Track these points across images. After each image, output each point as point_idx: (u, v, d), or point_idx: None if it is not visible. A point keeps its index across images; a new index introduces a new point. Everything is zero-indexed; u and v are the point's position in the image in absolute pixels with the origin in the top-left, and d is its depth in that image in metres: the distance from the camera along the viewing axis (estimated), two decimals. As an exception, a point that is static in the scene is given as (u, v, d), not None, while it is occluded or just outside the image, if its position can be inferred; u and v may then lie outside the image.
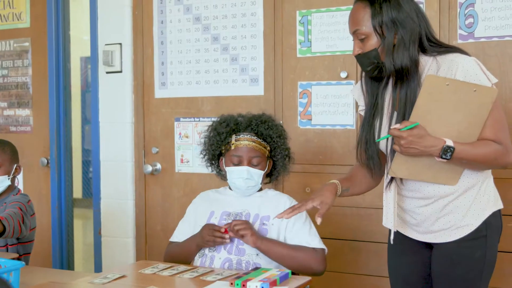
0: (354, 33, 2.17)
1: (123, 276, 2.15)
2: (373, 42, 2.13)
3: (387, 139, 2.20)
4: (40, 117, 4.15)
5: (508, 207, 2.91)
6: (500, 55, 2.94)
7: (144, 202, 3.82)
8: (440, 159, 2.04)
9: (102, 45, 3.83)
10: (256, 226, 2.47)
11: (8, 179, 2.94)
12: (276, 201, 2.55)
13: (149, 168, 3.75)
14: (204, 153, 2.60)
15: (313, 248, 2.45)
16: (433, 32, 2.21)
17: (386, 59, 2.12)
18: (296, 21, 3.36)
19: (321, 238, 3.30)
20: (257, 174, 2.49)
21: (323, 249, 2.48)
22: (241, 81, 3.51)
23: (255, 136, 2.51)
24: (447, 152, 2.02)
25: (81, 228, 5.47)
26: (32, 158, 4.16)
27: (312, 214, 2.34)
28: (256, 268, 2.26)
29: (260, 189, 2.60)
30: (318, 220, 2.17)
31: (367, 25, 2.13)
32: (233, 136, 2.52)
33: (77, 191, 4.64)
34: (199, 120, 3.63)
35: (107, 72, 3.83)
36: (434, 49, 2.16)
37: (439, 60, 2.14)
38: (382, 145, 2.28)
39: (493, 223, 2.19)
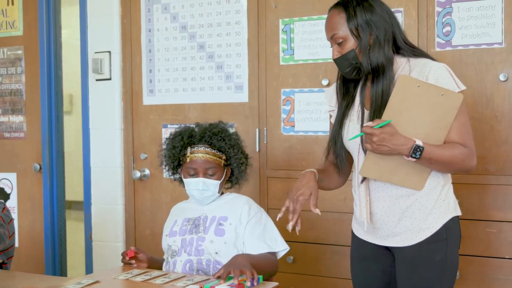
0: (332, 38, 2.25)
1: (96, 282, 2.21)
2: (351, 44, 2.22)
3: (361, 137, 2.24)
4: (33, 123, 4.22)
5: (469, 212, 2.98)
6: (477, 62, 2.99)
7: (133, 207, 3.89)
8: (410, 158, 2.10)
9: (91, 53, 3.91)
10: (213, 228, 2.53)
11: None
12: (234, 202, 2.62)
13: (138, 174, 3.81)
14: (164, 165, 2.68)
15: (276, 253, 2.55)
16: (405, 34, 2.30)
17: (363, 58, 2.20)
18: (279, 30, 3.41)
19: (305, 242, 3.38)
20: (213, 184, 2.56)
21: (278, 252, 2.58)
22: (226, 88, 3.57)
23: (209, 148, 2.57)
24: (416, 151, 2.08)
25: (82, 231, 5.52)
26: (26, 164, 4.24)
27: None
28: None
29: (222, 193, 2.67)
30: (317, 211, 2.18)
31: (343, 29, 2.21)
32: (188, 149, 2.59)
33: (78, 194, 4.64)
34: (180, 127, 3.69)
35: (96, 80, 3.90)
36: (408, 49, 2.25)
37: (412, 63, 2.23)
38: (351, 145, 2.33)
39: (452, 228, 2.25)
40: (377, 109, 2.19)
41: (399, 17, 3.11)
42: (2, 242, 2.75)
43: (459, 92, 2.18)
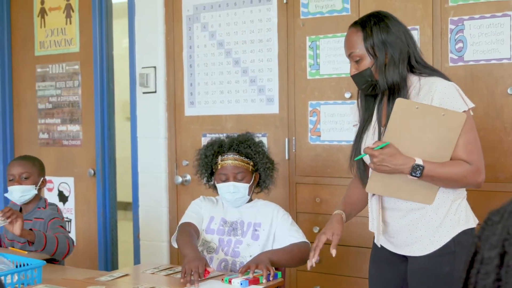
0: (350, 55, 2.40)
1: (126, 275, 2.54)
2: (367, 62, 2.34)
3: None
4: (88, 132, 4.62)
5: (479, 217, 3.15)
6: (487, 77, 3.17)
7: (176, 209, 4.22)
8: (411, 177, 2.22)
9: (139, 69, 4.26)
10: (250, 232, 2.81)
11: (35, 189, 3.34)
12: (265, 209, 2.89)
13: (180, 179, 4.15)
14: (199, 173, 2.97)
15: (303, 242, 2.79)
16: (420, 53, 2.43)
17: (379, 77, 2.32)
18: (306, 46, 3.67)
19: (330, 244, 3.62)
20: (243, 187, 2.84)
21: (307, 242, 2.81)
22: (259, 100, 3.86)
23: (237, 155, 2.85)
24: (416, 170, 2.20)
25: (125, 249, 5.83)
26: (82, 169, 4.63)
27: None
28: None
29: (250, 200, 2.94)
30: (333, 252, 2.37)
31: (360, 47, 2.35)
32: (219, 157, 2.88)
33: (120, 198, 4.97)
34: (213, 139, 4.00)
35: (143, 93, 4.26)
36: (420, 69, 2.36)
37: (422, 82, 2.33)
38: (366, 160, 2.47)
39: (462, 241, 2.30)
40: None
41: (415, 34, 3.32)
42: (72, 246, 3.11)
43: (468, 109, 2.29)
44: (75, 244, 3.31)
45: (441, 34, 3.28)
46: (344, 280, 3.61)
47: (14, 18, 4.94)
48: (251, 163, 2.89)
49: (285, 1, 3.71)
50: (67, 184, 4.71)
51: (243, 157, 2.87)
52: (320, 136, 3.65)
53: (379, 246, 2.50)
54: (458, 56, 3.23)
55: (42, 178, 3.33)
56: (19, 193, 3.25)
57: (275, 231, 2.83)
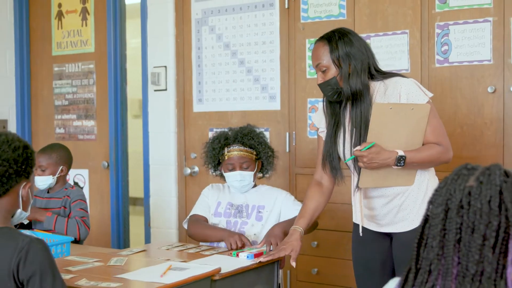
0: (317, 66, 2.69)
1: (143, 250, 2.87)
2: (332, 72, 2.63)
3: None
4: (102, 127, 4.95)
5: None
6: (470, 77, 3.49)
7: (184, 199, 4.54)
8: (396, 167, 2.56)
9: (151, 68, 4.59)
10: (254, 214, 3.15)
11: (53, 178, 3.60)
12: (269, 193, 3.23)
13: (188, 171, 4.47)
14: (207, 164, 3.30)
15: None
16: (377, 63, 2.74)
17: (344, 85, 2.62)
18: (306, 48, 3.99)
19: (327, 230, 3.95)
20: (248, 175, 3.17)
21: None
22: (262, 98, 4.18)
23: (242, 146, 3.18)
24: (400, 161, 2.54)
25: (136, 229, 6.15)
26: (96, 162, 4.96)
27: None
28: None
29: (255, 185, 3.27)
30: (293, 264, 2.68)
31: (326, 59, 2.64)
32: (226, 149, 3.20)
33: (131, 192, 5.28)
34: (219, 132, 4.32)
35: (154, 90, 4.58)
36: (379, 76, 2.69)
37: (386, 83, 2.65)
38: (348, 162, 2.78)
39: None
40: (361, 127, 2.64)
41: (405, 38, 3.64)
42: (86, 229, 3.45)
43: (428, 99, 2.62)
44: (89, 228, 3.62)
45: (429, 37, 3.59)
46: (339, 262, 3.93)
47: (33, 20, 5.26)
48: (254, 153, 3.22)
49: (286, 6, 4.03)
50: (82, 175, 5.02)
51: (247, 148, 3.20)
52: (318, 131, 3.96)
53: (355, 222, 2.84)
54: (443, 58, 3.55)
55: (61, 167, 3.61)
56: (38, 182, 3.59)
57: (280, 210, 3.17)
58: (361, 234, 2.80)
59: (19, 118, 5.25)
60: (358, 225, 2.86)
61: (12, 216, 2.12)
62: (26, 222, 3.51)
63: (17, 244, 1.94)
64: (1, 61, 5.18)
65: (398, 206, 2.70)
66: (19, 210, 2.13)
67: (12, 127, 5.22)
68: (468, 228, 1.29)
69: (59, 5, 5.12)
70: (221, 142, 3.24)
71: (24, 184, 2.11)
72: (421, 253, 1.37)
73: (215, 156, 3.25)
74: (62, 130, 5.15)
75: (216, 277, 2.41)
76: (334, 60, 2.63)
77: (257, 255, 2.73)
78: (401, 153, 2.55)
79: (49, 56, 5.19)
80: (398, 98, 2.61)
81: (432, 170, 2.76)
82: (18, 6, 5.20)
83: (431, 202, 1.39)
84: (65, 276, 2.24)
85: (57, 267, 1.99)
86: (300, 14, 4.00)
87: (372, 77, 2.69)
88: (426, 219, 1.39)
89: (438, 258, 1.33)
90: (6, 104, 5.21)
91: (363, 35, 3.56)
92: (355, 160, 2.65)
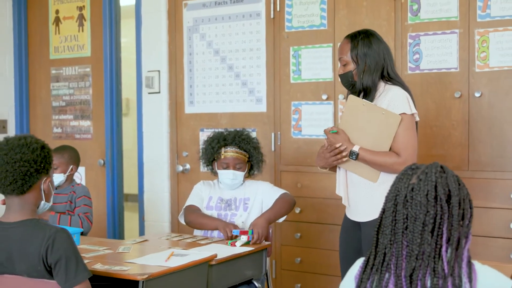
0: (340, 59, 3.07)
1: (145, 240, 3.20)
2: (350, 66, 3.01)
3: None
4: (98, 127, 5.25)
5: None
6: (439, 83, 3.84)
7: (176, 194, 4.86)
8: (350, 158, 2.94)
9: (145, 72, 4.90)
10: (241, 206, 3.50)
11: (64, 176, 3.88)
12: (253, 187, 3.57)
13: (180, 168, 4.80)
14: (202, 159, 3.63)
15: (283, 193, 3.52)
16: (394, 67, 3.08)
17: (358, 80, 3.00)
18: (290, 55, 4.33)
19: (310, 222, 4.29)
20: (240, 174, 3.52)
21: (286, 192, 3.54)
22: (249, 100, 4.52)
23: (238, 148, 3.52)
24: (352, 155, 2.92)
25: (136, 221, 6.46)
26: (92, 160, 5.26)
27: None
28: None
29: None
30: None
31: (347, 55, 3.02)
32: (223, 149, 3.53)
33: (134, 187, 5.61)
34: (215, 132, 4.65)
35: (148, 93, 4.90)
36: (390, 79, 3.02)
37: (385, 88, 3.00)
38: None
39: None
40: None
41: (381, 46, 3.99)
42: (88, 223, 3.76)
43: (411, 113, 2.93)
44: (92, 223, 3.92)
45: (402, 46, 3.94)
46: (321, 252, 4.27)
47: (31, 26, 5.55)
48: (248, 156, 3.56)
49: (272, 16, 4.37)
50: (79, 173, 5.31)
51: (242, 151, 3.54)
52: (301, 131, 4.31)
53: (348, 205, 3.13)
54: (415, 65, 3.90)
55: (71, 166, 3.92)
56: None
57: (262, 198, 3.53)
58: (345, 203, 3.13)
59: (18, 118, 5.54)
60: (344, 212, 3.20)
61: (38, 207, 2.44)
62: None
63: (45, 233, 2.27)
64: (0, 64, 5.47)
65: (359, 195, 3.04)
66: (42, 202, 2.44)
67: (11, 127, 5.50)
68: (412, 217, 1.64)
69: (57, 12, 5.41)
70: (220, 142, 3.56)
71: (44, 179, 2.42)
72: (379, 239, 1.73)
73: (212, 154, 3.57)
74: (59, 130, 5.45)
75: (213, 262, 2.74)
76: (353, 57, 3.02)
77: (234, 244, 3.08)
78: (355, 148, 2.93)
79: (46, 60, 5.49)
80: (383, 102, 2.95)
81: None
82: (17, 12, 5.49)
83: (386, 197, 1.75)
84: (81, 261, 2.56)
85: (80, 254, 2.31)
86: (285, 24, 4.33)
87: (383, 78, 3.03)
88: (383, 212, 1.75)
89: (391, 242, 1.69)
90: (6, 105, 5.49)
91: (342, 44, 3.91)
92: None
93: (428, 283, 1.61)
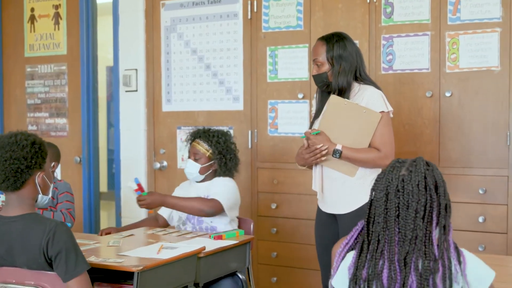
0: (314, 60, 3.19)
1: (132, 235, 3.28)
2: (325, 67, 3.15)
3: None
4: (74, 124, 5.30)
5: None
6: (411, 83, 4.00)
7: (154, 191, 4.93)
8: (333, 157, 3.07)
9: (122, 70, 4.97)
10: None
11: None
12: (214, 183, 3.58)
13: (158, 165, 4.88)
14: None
15: (212, 199, 3.46)
16: (365, 68, 3.23)
17: (333, 80, 3.13)
18: (266, 55, 4.45)
19: (285, 218, 4.41)
20: (195, 166, 3.56)
21: (217, 201, 3.45)
22: (226, 99, 4.62)
23: (201, 141, 3.58)
24: (336, 153, 3.05)
25: (107, 218, 6.53)
26: (68, 157, 5.30)
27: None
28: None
29: (211, 179, 3.64)
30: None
31: (322, 56, 3.15)
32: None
33: (103, 185, 5.71)
34: (195, 128, 4.74)
35: (126, 91, 4.97)
36: (362, 79, 3.17)
37: (361, 88, 3.14)
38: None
39: None
40: None
41: (355, 47, 4.13)
42: (71, 219, 3.81)
43: (388, 111, 3.09)
44: (75, 218, 3.97)
45: (375, 48, 4.10)
46: (296, 246, 4.40)
47: (5, 24, 5.56)
48: (210, 151, 3.59)
49: (249, 17, 4.48)
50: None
51: (205, 144, 3.59)
52: (277, 129, 4.43)
53: (321, 198, 3.27)
54: (388, 66, 4.06)
55: (53, 163, 3.97)
56: None
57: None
58: (319, 198, 3.26)
59: (-9, 115, 5.55)
60: (318, 207, 3.33)
61: (36, 201, 2.51)
62: None
63: (46, 226, 2.34)
64: (-25, 61, 5.47)
65: (338, 189, 3.17)
66: (39, 195, 2.51)
67: (-15, 124, 5.51)
68: (404, 205, 1.78)
69: (32, 10, 5.44)
70: (194, 136, 3.66)
71: (38, 174, 2.48)
72: (370, 228, 1.86)
73: (187, 146, 3.68)
74: (34, 127, 5.48)
75: (201, 255, 2.85)
76: (328, 59, 3.16)
77: (217, 238, 3.18)
78: (338, 147, 3.06)
79: (21, 58, 5.51)
80: (360, 101, 3.08)
81: (375, 170, 3.15)
82: (-9, 10, 5.50)
83: (373, 189, 1.88)
84: (75, 255, 2.64)
85: (79, 246, 2.39)
86: (262, 24, 4.45)
87: (356, 78, 3.18)
88: (371, 203, 1.88)
89: (383, 230, 1.82)
90: (-20, 102, 5.50)
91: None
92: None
93: (420, 266, 1.75)
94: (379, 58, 4.08)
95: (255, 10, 4.46)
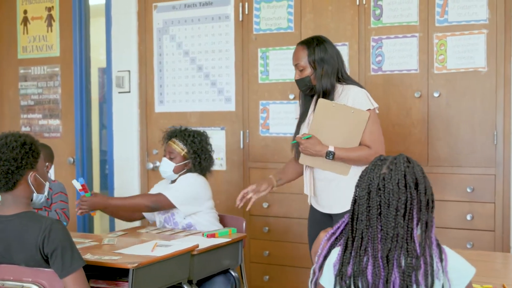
0: (296, 65, 3.24)
1: (126, 233, 3.35)
2: (308, 71, 3.20)
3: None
4: (67, 125, 5.34)
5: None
6: (400, 83, 4.08)
7: (147, 191, 4.98)
8: (327, 158, 3.12)
9: (115, 72, 5.02)
10: None
11: None
12: (181, 178, 3.60)
13: (151, 165, 4.93)
14: None
15: (159, 194, 3.51)
16: (346, 69, 3.28)
17: (317, 83, 3.17)
18: (258, 57, 4.51)
19: (277, 217, 4.48)
20: (168, 163, 3.58)
21: (162, 195, 3.49)
22: (218, 100, 4.68)
23: (178, 141, 3.60)
24: (329, 155, 3.09)
25: (100, 218, 6.57)
26: (62, 158, 5.34)
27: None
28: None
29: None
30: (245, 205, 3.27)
31: (304, 60, 3.20)
32: None
33: (95, 186, 5.76)
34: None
35: (119, 92, 5.02)
36: (344, 80, 3.22)
37: (344, 88, 3.19)
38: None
39: None
40: None
41: (345, 49, 4.20)
42: (66, 219, 3.86)
43: (373, 108, 3.15)
44: (69, 218, 4.02)
45: (365, 49, 4.17)
46: (288, 245, 4.47)
47: (-2, 26, 5.62)
48: (185, 150, 3.60)
49: (240, 19, 4.55)
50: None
51: (181, 143, 3.61)
52: (269, 129, 4.50)
53: (310, 204, 3.33)
54: (378, 67, 4.13)
55: (46, 164, 4.00)
56: None
57: None
58: (309, 203, 3.35)
59: (-15, 117, 5.59)
60: (311, 206, 3.38)
61: (32, 200, 2.56)
62: None
63: (42, 224, 2.40)
64: (-32, 63, 5.51)
65: (333, 190, 3.22)
66: (34, 194, 2.56)
67: (-21, 126, 5.55)
68: (385, 204, 1.84)
69: (25, 12, 5.48)
70: (170, 135, 3.69)
71: (30, 173, 2.53)
72: (354, 225, 1.91)
73: (163, 145, 3.71)
74: (27, 129, 5.52)
75: (195, 252, 2.91)
76: (310, 62, 3.20)
77: (211, 236, 3.25)
78: (331, 149, 3.10)
79: (14, 59, 5.55)
80: (346, 102, 3.14)
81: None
82: (-16, 12, 5.54)
83: (357, 186, 1.94)
84: (71, 252, 2.69)
85: (75, 244, 2.45)
86: (253, 26, 4.52)
87: (339, 80, 3.23)
88: (355, 200, 1.94)
89: (367, 227, 1.88)
90: (-27, 104, 5.54)
91: (308, 46, 4.11)
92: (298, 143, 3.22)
93: (403, 262, 1.80)
94: (369, 60, 4.15)
95: (246, 12, 4.53)
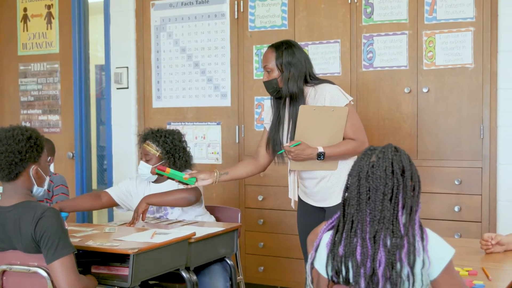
0: (264, 67, 3.30)
1: (125, 223, 3.47)
2: (275, 74, 3.24)
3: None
4: (66, 121, 5.46)
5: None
6: (390, 79, 4.21)
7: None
8: (318, 160, 3.20)
9: (113, 68, 5.14)
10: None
11: None
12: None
13: (148, 159, 5.05)
14: None
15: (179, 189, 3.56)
16: (314, 71, 3.35)
17: (283, 86, 3.23)
18: (253, 53, 4.64)
19: (271, 209, 4.60)
20: (145, 166, 3.61)
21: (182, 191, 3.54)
22: (214, 96, 4.81)
23: (151, 142, 3.65)
24: (320, 156, 3.17)
25: (98, 212, 6.68)
26: (61, 153, 5.45)
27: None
28: None
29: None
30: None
31: (272, 63, 3.24)
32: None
33: (93, 181, 5.86)
34: (184, 124, 4.93)
35: (117, 88, 5.14)
36: (313, 82, 3.29)
37: (316, 88, 3.26)
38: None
39: None
40: (294, 123, 3.22)
41: (337, 46, 4.33)
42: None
43: (349, 101, 3.23)
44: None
45: (357, 46, 4.30)
46: (282, 237, 4.59)
47: (-1, 23, 5.73)
48: (160, 151, 3.64)
49: (236, 17, 4.67)
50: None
51: (155, 145, 3.65)
52: (263, 124, 4.61)
53: (306, 197, 3.44)
54: (369, 63, 4.26)
55: (49, 158, 4.13)
56: None
57: None
58: (293, 207, 3.45)
59: (-15, 113, 5.71)
60: (301, 199, 3.50)
61: (32, 192, 2.67)
62: None
63: (35, 212, 2.49)
64: (-31, 60, 5.62)
65: (325, 186, 3.33)
66: (34, 187, 2.67)
67: (-21, 121, 5.67)
68: (374, 189, 1.97)
69: (25, 9, 5.60)
70: (144, 137, 3.73)
71: (32, 167, 2.63)
72: (346, 210, 2.05)
73: (140, 148, 3.77)
74: (28, 124, 5.63)
75: (192, 240, 3.04)
76: (278, 65, 3.26)
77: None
78: (321, 149, 3.18)
79: (14, 56, 5.67)
80: (324, 101, 3.23)
81: (351, 159, 3.32)
82: (-15, 9, 5.66)
83: (349, 175, 2.07)
84: (74, 240, 2.82)
85: (67, 233, 2.54)
86: (248, 24, 4.64)
87: (307, 83, 3.30)
88: (347, 188, 2.07)
89: (357, 211, 2.01)
90: (-26, 100, 5.66)
91: (302, 43, 4.24)
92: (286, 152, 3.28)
93: (388, 242, 1.94)
94: (360, 56, 4.28)
95: (241, 10, 4.65)
